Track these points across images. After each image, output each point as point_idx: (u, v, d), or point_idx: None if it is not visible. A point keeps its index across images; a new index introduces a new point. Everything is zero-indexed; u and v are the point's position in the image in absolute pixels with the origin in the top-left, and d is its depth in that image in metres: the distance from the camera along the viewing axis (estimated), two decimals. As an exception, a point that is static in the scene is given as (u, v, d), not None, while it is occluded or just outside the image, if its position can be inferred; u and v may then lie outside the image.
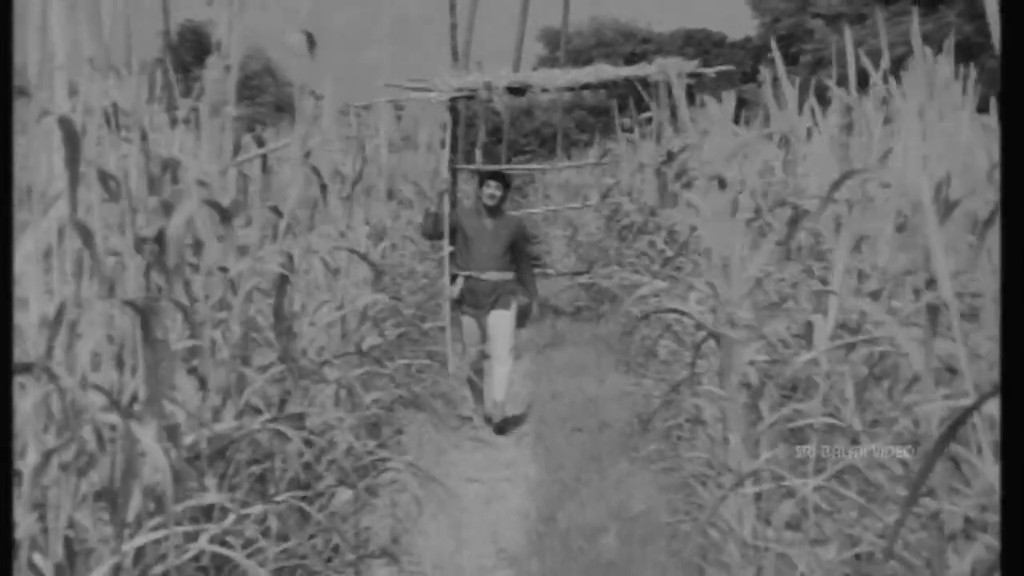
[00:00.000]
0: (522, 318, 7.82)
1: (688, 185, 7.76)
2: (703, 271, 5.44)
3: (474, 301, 7.61)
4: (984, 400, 1.88)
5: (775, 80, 5.71)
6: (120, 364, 2.94)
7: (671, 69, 12.96)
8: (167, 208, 3.26)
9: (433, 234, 8.07)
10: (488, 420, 7.59)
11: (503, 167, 13.47)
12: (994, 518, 2.77)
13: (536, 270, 8.99)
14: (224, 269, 3.79)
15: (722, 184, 5.47)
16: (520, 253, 7.72)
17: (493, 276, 7.55)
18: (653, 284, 7.14)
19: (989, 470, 2.88)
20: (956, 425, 1.75)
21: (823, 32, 33.54)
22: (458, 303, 7.74)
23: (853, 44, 4.68)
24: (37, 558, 2.54)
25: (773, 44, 5.62)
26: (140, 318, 2.67)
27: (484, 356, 7.72)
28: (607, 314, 10.96)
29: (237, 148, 3.82)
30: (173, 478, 2.72)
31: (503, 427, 7.54)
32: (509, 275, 7.59)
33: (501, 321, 7.54)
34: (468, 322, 7.70)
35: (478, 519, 5.84)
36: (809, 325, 4.00)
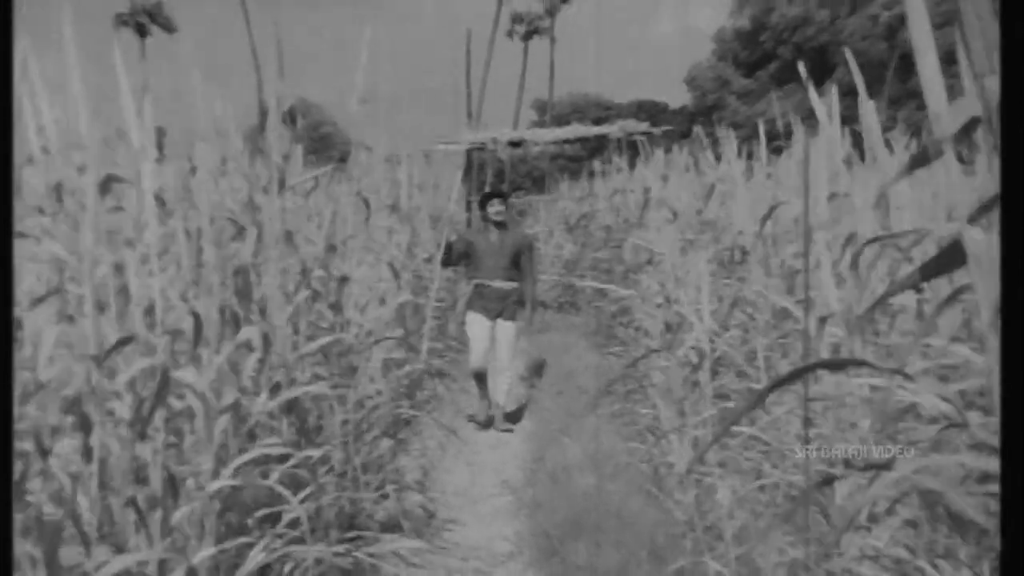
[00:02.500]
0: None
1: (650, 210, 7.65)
2: (657, 277, 5.40)
3: (483, 304, 6.56)
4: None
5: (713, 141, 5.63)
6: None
7: (629, 128, 13.02)
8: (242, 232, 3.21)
9: (447, 263, 6.80)
10: (491, 420, 6.58)
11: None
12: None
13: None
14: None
15: (675, 215, 5.43)
16: (525, 262, 6.65)
17: (499, 284, 6.54)
18: (619, 292, 7.03)
19: (862, 420, 2.83)
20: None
21: (736, 104, 33.80)
22: (468, 304, 6.67)
23: (754, 113, 4.65)
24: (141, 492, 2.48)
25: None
26: (194, 318, 2.57)
27: (489, 357, 6.61)
28: (582, 309, 10.90)
29: (282, 184, 3.67)
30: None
31: (506, 430, 6.50)
32: (514, 285, 6.60)
33: (506, 332, 6.56)
34: (477, 319, 6.58)
35: (487, 460, 5.79)
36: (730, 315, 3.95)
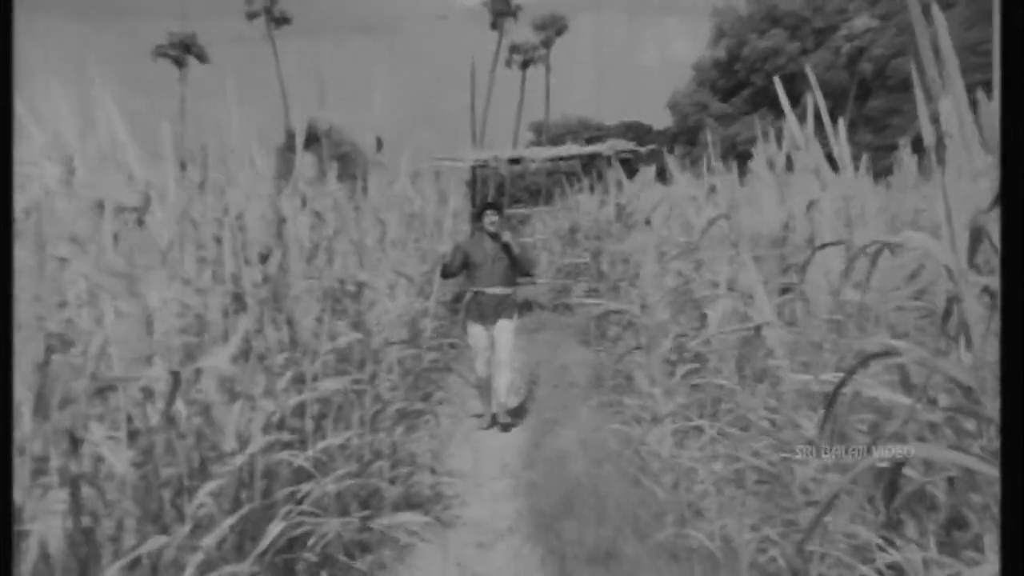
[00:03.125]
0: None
1: (631, 225, 7.65)
2: (638, 283, 5.42)
3: (481, 312, 6.20)
4: (849, 375, 1.82)
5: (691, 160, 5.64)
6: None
7: (617, 147, 13.06)
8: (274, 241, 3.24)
9: (447, 275, 6.40)
10: (494, 419, 6.25)
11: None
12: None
13: (527, 279, 8.10)
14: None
15: (648, 223, 5.45)
16: (520, 253, 6.30)
17: (497, 290, 6.21)
18: (603, 305, 6.99)
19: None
20: (835, 391, 1.72)
21: (714, 127, 33.90)
22: (467, 314, 6.31)
23: (730, 134, 4.66)
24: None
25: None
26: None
27: (491, 364, 6.25)
28: (574, 310, 10.91)
29: (304, 200, 3.69)
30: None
31: (508, 426, 6.19)
32: (510, 290, 6.27)
33: (505, 331, 6.20)
34: (477, 330, 6.25)
35: (489, 446, 5.80)
36: (704, 317, 3.97)
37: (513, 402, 6.55)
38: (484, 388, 6.29)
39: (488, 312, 6.21)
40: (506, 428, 6.14)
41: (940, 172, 1.79)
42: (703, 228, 4.44)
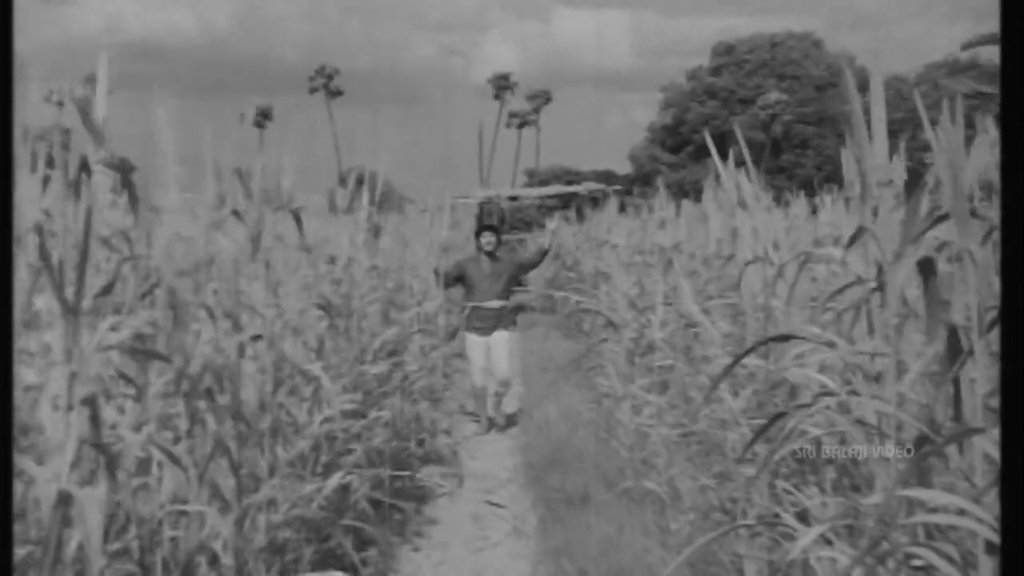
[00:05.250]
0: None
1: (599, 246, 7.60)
2: (608, 290, 5.39)
3: (479, 325, 5.29)
4: (739, 359, 1.77)
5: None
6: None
7: (590, 187, 13.13)
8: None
9: (447, 285, 5.42)
10: (491, 424, 5.35)
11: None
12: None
13: (519, 288, 7.66)
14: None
15: (613, 246, 5.42)
16: (521, 265, 5.68)
17: (493, 305, 5.28)
18: (583, 304, 6.85)
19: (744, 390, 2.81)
20: (724, 373, 1.67)
21: (666, 172, 34.18)
22: (467, 327, 5.38)
23: (677, 178, 4.60)
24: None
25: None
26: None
27: (488, 374, 5.32)
28: (558, 310, 10.87)
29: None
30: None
31: (503, 428, 5.34)
32: (505, 303, 5.34)
33: (502, 341, 5.27)
34: (474, 340, 5.31)
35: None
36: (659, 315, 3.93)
37: (511, 407, 5.56)
38: (480, 397, 5.34)
39: (485, 324, 5.29)
40: (500, 429, 5.31)
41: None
42: (661, 249, 4.41)
